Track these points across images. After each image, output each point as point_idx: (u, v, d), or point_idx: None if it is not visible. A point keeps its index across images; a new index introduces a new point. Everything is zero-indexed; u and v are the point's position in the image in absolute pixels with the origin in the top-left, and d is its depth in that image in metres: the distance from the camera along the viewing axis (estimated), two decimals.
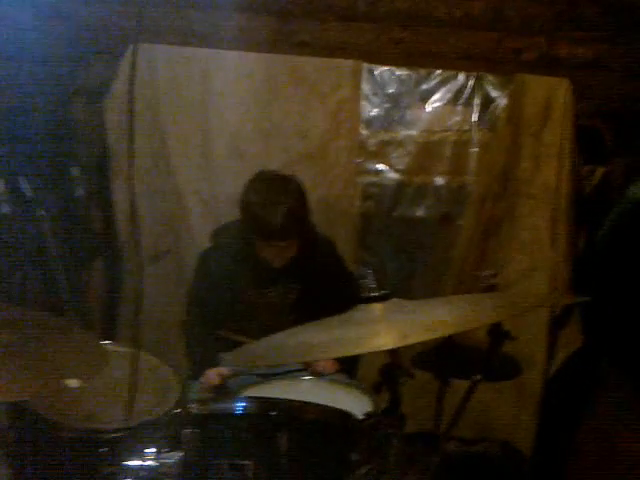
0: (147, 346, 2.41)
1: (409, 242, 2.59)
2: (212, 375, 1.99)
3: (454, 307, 1.23)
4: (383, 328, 1.13)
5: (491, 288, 1.58)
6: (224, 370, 1.97)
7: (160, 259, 2.51)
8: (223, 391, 1.93)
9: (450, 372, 1.71)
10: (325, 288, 2.09)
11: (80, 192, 2.73)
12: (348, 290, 2.16)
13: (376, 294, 1.23)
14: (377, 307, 1.21)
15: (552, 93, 2.43)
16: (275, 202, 1.92)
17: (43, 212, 2.44)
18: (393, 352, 1.21)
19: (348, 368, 2.03)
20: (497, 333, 1.56)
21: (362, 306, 1.24)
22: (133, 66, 1.96)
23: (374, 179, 2.57)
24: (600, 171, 2.54)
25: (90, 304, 2.63)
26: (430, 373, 1.77)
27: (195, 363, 2.11)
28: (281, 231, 1.93)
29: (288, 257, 2.03)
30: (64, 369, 1.46)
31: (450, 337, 1.77)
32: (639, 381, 2.30)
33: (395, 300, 1.24)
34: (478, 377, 1.48)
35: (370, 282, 1.24)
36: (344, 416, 1.33)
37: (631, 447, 2.17)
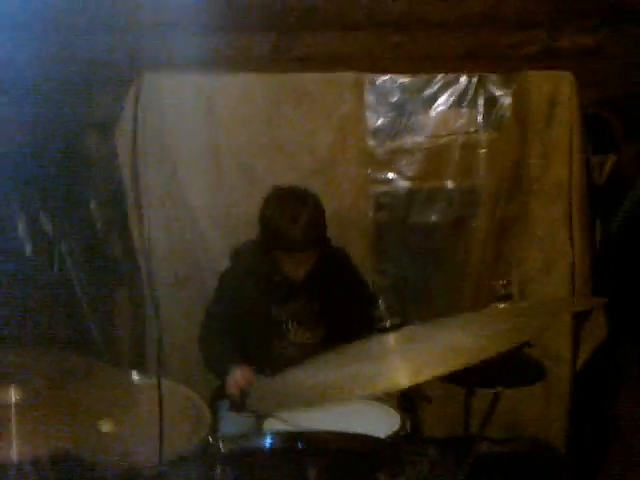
0: (174, 373, 2.50)
1: (425, 248, 2.59)
2: (231, 387, 2.00)
3: (469, 333, 1.24)
4: (398, 362, 1.15)
5: (506, 297, 1.58)
6: (241, 379, 1.98)
7: (181, 286, 2.56)
8: (248, 397, 1.95)
9: (474, 382, 1.72)
10: (344, 300, 2.14)
11: (99, 224, 2.79)
12: (366, 300, 2.20)
13: (388, 324, 1.25)
14: (391, 337, 1.23)
15: (556, 88, 2.42)
16: (294, 214, 1.97)
17: (64, 248, 2.51)
18: None
19: None
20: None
21: (376, 337, 1.26)
22: (137, 99, 2.00)
23: (385, 188, 2.58)
24: (611, 160, 2.52)
25: (118, 335, 2.69)
26: (454, 385, 1.79)
27: (219, 377, 2.13)
28: (302, 242, 1.97)
29: (308, 269, 2.07)
30: (97, 411, 1.51)
31: None
32: None
33: (408, 328, 1.26)
34: (500, 389, 1.49)
35: (382, 311, 1.26)
36: (369, 440, 1.35)
37: None
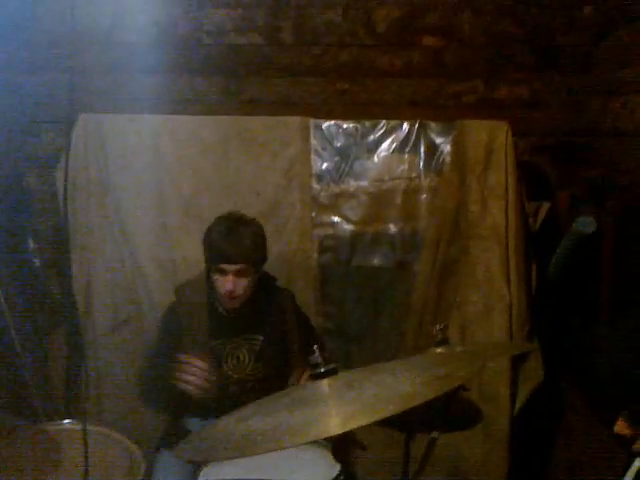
0: (112, 416, 2.43)
1: (368, 291, 2.62)
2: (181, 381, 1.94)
3: (404, 379, 1.25)
4: (330, 409, 1.15)
5: (443, 342, 1.61)
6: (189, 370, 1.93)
7: (121, 328, 2.50)
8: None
9: (412, 426, 1.73)
10: (285, 339, 2.18)
11: (37, 262, 2.72)
12: (309, 338, 2.22)
13: (323, 370, 1.25)
14: (325, 384, 1.23)
15: (492, 136, 2.52)
16: (231, 228, 2.08)
17: None
18: None
19: None
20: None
21: (310, 384, 1.26)
22: (69, 138, 1.97)
23: (329, 231, 2.61)
24: (546, 206, 2.62)
25: (52, 377, 2.59)
26: (389, 429, 1.79)
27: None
28: (234, 253, 2.04)
29: (241, 296, 2.08)
30: (20, 471, 1.45)
31: None
32: (601, 409, 2.35)
33: (343, 374, 1.26)
34: (436, 434, 1.50)
35: (317, 357, 1.26)
36: None
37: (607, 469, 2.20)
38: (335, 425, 1.07)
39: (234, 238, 2.05)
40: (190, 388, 1.92)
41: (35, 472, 1.29)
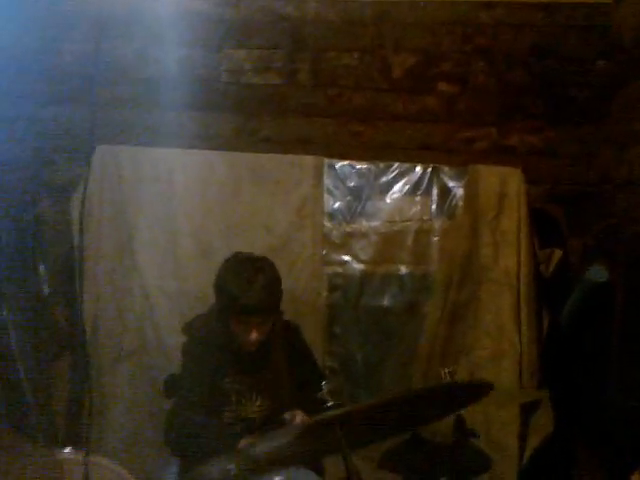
0: (114, 449, 2.39)
1: (376, 332, 2.60)
2: None
3: None
4: None
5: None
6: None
7: (126, 359, 2.49)
8: None
9: (418, 473, 1.69)
10: (293, 374, 2.14)
11: (46, 290, 2.72)
12: (314, 377, 2.19)
13: (331, 404, 1.23)
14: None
15: (505, 182, 2.53)
16: (251, 279, 1.98)
17: (5, 309, 2.42)
18: (347, 465, 1.19)
19: (316, 467, 2.02)
20: (461, 432, 1.56)
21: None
22: (88, 168, 2.00)
23: (339, 270, 2.61)
24: (558, 254, 2.60)
25: (55, 404, 2.57)
26: (398, 475, 1.75)
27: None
28: (257, 307, 1.97)
29: (261, 338, 2.05)
30: None
31: (415, 435, 1.77)
32: (611, 464, 2.29)
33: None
34: None
35: (324, 393, 1.24)
36: None
37: None
38: None
39: (255, 290, 1.97)
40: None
41: None
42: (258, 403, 2.11)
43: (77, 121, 2.69)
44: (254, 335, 2.02)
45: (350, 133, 2.76)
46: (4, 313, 2.40)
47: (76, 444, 1.83)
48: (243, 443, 1.91)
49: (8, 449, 1.54)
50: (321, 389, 1.45)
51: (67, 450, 1.79)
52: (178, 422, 2.07)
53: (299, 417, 1.94)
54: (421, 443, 1.76)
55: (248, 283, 1.98)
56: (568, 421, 2.49)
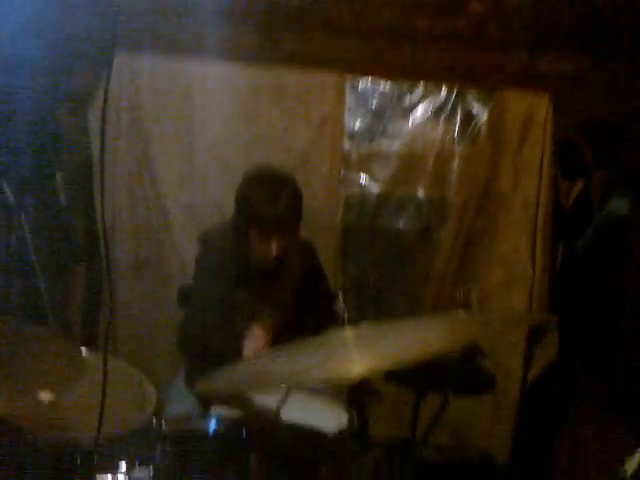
0: (128, 356, 2.46)
1: (390, 254, 2.61)
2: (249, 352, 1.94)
3: (424, 332, 1.25)
4: (354, 354, 1.15)
5: (466, 305, 1.59)
6: (259, 344, 1.93)
7: (141, 268, 2.52)
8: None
9: (425, 386, 1.72)
10: (306, 291, 2.15)
11: (63, 199, 2.73)
12: (326, 296, 2.21)
13: (347, 319, 1.24)
14: (348, 331, 1.22)
15: (532, 109, 2.46)
16: (273, 194, 1.96)
17: (24, 218, 2.45)
18: None
19: None
20: (470, 351, 1.58)
21: (335, 331, 1.26)
22: (108, 76, 1.96)
23: (356, 191, 2.59)
24: (579, 186, 2.57)
25: (71, 312, 2.63)
26: (405, 387, 1.79)
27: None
28: (278, 223, 1.96)
29: (280, 254, 2.04)
30: (40, 381, 1.47)
31: None
32: (615, 393, 2.33)
33: (365, 325, 1.26)
34: (450, 397, 1.49)
35: (341, 307, 1.25)
36: (314, 434, 1.34)
37: (604, 458, 2.19)
38: (359, 367, 1.07)
39: (279, 204, 1.94)
40: (252, 357, 1.91)
41: (52, 385, 1.30)
42: (272, 319, 2.13)
43: (98, 29, 2.63)
44: (274, 250, 2.01)
45: (374, 51, 2.67)
46: (22, 222, 2.43)
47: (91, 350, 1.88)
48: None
49: (27, 341, 1.57)
50: (332, 309, 1.46)
51: (84, 351, 1.83)
52: (190, 331, 2.11)
53: (256, 341, 1.94)
54: (429, 361, 1.79)
55: (273, 197, 1.95)
56: (573, 350, 2.52)
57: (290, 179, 2.05)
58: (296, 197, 2.02)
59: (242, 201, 2.02)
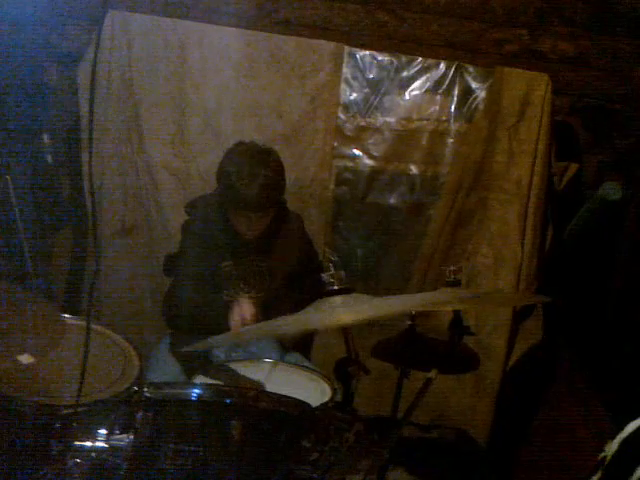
0: (112, 321, 2.44)
1: (380, 229, 2.59)
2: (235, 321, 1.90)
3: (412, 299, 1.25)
4: (340, 310, 1.16)
5: (455, 283, 1.58)
6: (247, 313, 1.89)
7: (127, 234, 2.48)
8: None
9: (409, 363, 1.72)
10: (292, 262, 2.16)
11: (49, 159, 2.68)
12: (313, 267, 2.20)
13: (338, 287, 1.23)
14: (338, 299, 1.22)
15: (531, 88, 2.43)
16: (253, 173, 1.94)
17: (9, 177, 2.39)
18: (348, 346, 1.21)
19: (303, 348, 2.08)
20: (457, 328, 1.58)
21: (325, 299, 1.25)
22: (99, 35, 1.89)
23: (349, 164, 2.56)
24: (573, 168, 2.55)
25: (54, 274, 2.59)
26: (390, 363, 1.79)
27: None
28: (257, 203, 1.95)
29: (261, 229, 2.05)
30: (20, 343, 1.45)
31: (412, 328, 1.79)
32: (599, 375, 2.35)
33: (356, 294, 1.25)
34: (434, 374, 1.49)
35: (332, 274, 1.24)
36: (298, 405, 1.33)
37: (585, 439, 2.22)
38: (348, 317, 1.08)
39: (255, 186, 1.91)
40: (238, 327, 1.88)
41: (33, 348, 1.28)
42: (257, 288, 2.14)
43: None
44: (252, 228, 2.02)
45: (374, 22, 2.61)
46: (8, 180, 2.37)
47: (73, 315, 1.85)
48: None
49: (8, 303, 1.54)
50: (320, 279, 1.45)
51: (67, 316, 1.81)
52: (176, 299, 2.10)
53: (243, 311, 1.91)
54: (415, 336, 1.79)
55: (249, 178, 1.93)
56: (557, 331, 2.54)
57: (271, 157, 2.02)
58: (275, 177, 2.00)
59: (223, 178, 2.01)
